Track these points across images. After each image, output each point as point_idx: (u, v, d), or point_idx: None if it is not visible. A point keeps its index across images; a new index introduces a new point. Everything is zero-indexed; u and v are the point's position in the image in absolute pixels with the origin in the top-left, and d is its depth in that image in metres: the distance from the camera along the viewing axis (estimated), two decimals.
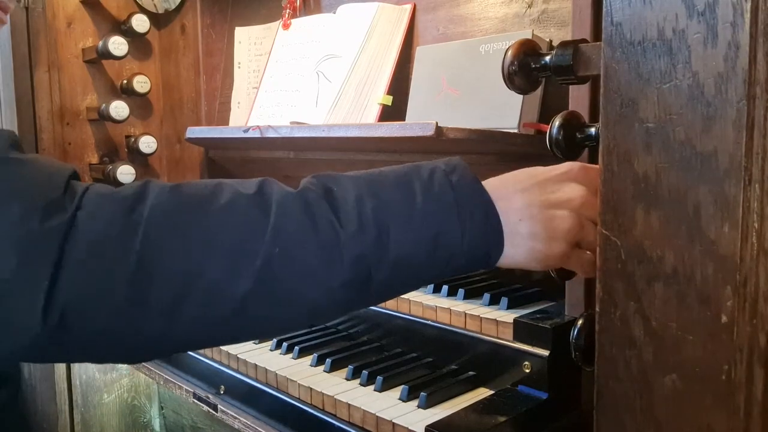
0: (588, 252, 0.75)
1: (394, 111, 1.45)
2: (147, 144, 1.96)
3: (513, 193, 0.71)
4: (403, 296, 1.23)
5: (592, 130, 0.81)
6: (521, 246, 0.71)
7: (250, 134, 1.51)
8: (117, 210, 0.59)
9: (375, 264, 0.64)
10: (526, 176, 0.74)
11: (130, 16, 1.94)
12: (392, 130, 1.18)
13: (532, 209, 0.71)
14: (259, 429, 1.19)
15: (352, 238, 0.63)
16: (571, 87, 0.97)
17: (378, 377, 1.11)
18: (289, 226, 0.63)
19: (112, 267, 0.57)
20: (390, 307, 1.26)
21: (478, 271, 1.33)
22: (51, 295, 0.56)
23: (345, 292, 0.65)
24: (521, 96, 1.18)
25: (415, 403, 1.04)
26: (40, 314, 0.56)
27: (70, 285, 0.56)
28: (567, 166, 0.76)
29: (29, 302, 0.56)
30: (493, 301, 1.15)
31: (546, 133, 0.83)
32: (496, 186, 0.72)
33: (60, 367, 1.94)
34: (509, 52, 0.86)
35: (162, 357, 0.71)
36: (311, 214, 0.64)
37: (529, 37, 1.17)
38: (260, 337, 0.71)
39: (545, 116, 1.21)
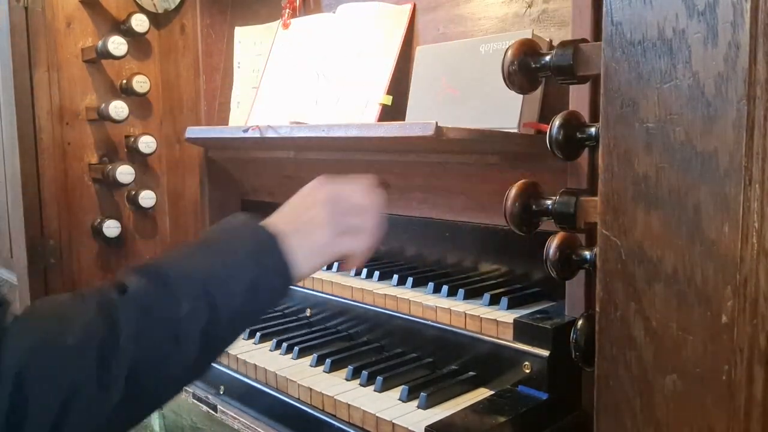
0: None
1: (394, 111, 1.45)
2: (146, 144, 1.96)
3: (284, 223, 0.83)
4: (403, 296, 1.23)
5: (592, 130, 0.81)
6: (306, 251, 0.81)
7: (250, 134, 1.50)
8: None
9: (214, 328, 0.73)
10: (287, 207, 0.87)
11: (129, 16, 1.94)
12: (392, 130, 1.18)
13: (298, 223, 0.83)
14: (259, 429, 1.19)
15: (188, 317, 0.72)
16: (571, 87, 0.97)
17: (378, 377, 1.11)
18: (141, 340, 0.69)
19: None
20: (390, 307, 1.26)
21: (476, 271, 1.33)
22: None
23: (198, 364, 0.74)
24: (521, 96, 1.18)
25: (415, 403, 1.04)
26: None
27: None
28: (308, 187, 0.88)
29: None
30: (493, 301, 1.15)
31: (546, 132, 0.83)
32: (273, 222, 0.83)
33: None
34: (509, 52, 0.86)
35: None
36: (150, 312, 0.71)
37: (529, 36, 1.17)
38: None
39: (545, 116, 1.21)
